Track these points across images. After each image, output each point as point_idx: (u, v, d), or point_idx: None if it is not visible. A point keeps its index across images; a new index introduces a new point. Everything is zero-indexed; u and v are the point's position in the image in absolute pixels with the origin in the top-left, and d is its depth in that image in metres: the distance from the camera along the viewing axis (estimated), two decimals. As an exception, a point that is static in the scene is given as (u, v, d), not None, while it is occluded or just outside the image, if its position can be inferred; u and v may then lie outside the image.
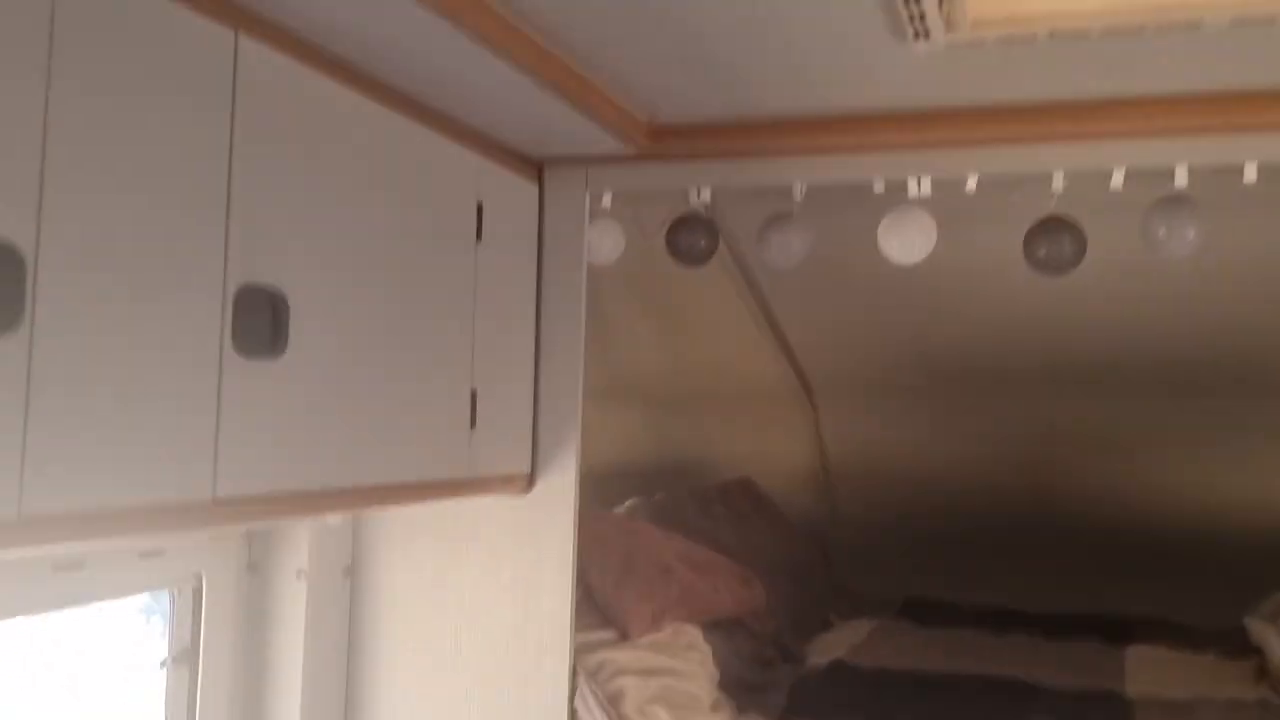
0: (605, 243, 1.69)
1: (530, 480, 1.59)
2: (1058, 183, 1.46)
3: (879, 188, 1.53)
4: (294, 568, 1.54)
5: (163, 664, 1.41)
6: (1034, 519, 2.68)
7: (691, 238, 1.70)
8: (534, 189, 1.62)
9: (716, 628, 1.85)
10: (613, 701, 1.52)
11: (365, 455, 1.24)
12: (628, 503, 2.33)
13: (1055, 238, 1.52)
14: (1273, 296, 2.00)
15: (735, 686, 1.77)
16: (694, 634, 1.76)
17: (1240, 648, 2.20)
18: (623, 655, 1.61)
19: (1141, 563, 2.60)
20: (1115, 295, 2.03)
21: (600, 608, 1.68)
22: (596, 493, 2.56)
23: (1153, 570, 2.58)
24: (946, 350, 2.34)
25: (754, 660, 1.94)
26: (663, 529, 2.05)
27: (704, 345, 2.49)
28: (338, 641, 1.61)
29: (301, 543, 1.54)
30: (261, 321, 1.09)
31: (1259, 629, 2.11)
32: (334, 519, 1.53)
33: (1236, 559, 2.50)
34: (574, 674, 1.54)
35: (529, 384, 1.61)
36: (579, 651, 1.58)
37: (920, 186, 1.50)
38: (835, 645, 2.27)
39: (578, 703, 1.52)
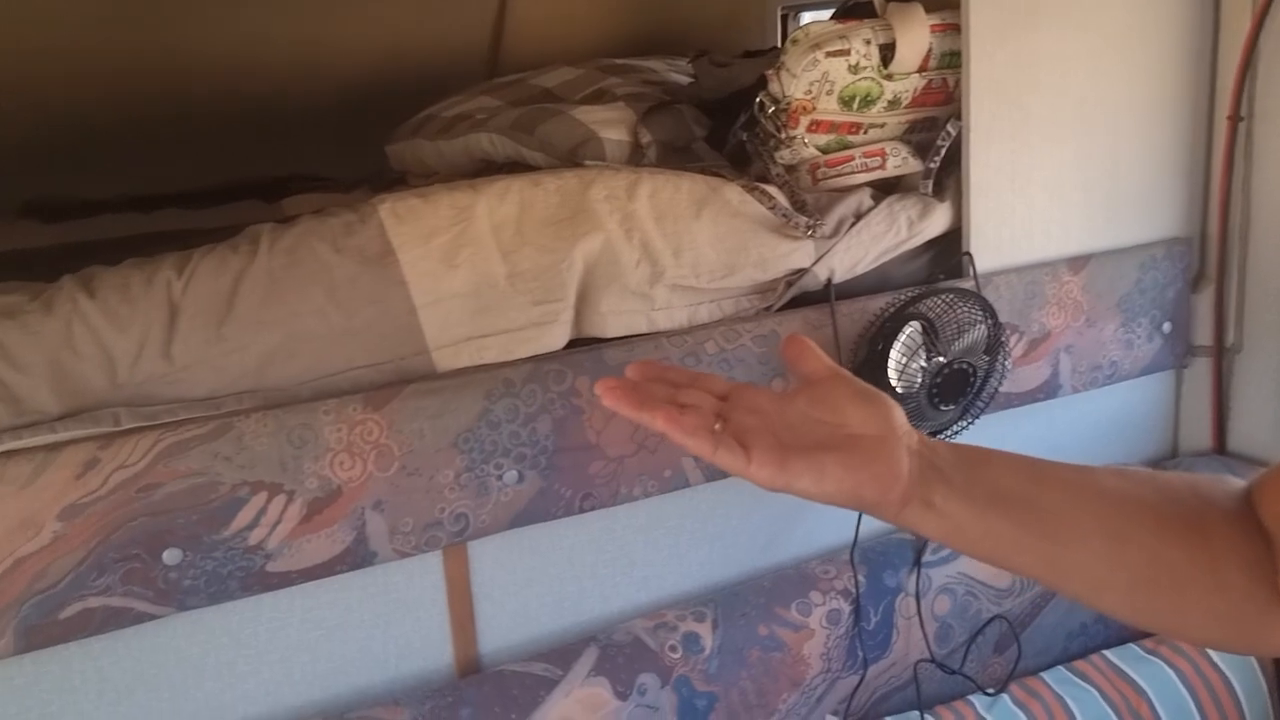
0: None
1: None
2: None
3: None
4: None
5: None
6: (161, 89, 2.36)
7: None
8: None
9: None
10: None
11: None
12: None
13: None
14: None
15: None
16: None
17: (386, 184, 2.29)
18: None
19: (277, 126, 2.50)
20: None
21: None
22: None
23: (290, 133, 2.51)
24: None
25: None
26: None
27: None
28: None
29: None
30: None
31: (396, 151, 2.19)
32: None
33: (363, 112, 2.55)
34: None
35: None
36: None
37: None
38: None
39: None
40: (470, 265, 1.31)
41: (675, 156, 1.69)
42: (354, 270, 1.26)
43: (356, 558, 1.22)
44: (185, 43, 2.34)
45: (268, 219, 2.07)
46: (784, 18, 2.36)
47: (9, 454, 1.06)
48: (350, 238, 1.28)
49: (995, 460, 0.81)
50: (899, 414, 0.80)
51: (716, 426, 0.77)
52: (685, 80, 2.11)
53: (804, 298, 1.48)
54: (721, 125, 1.74)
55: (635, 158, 1.66)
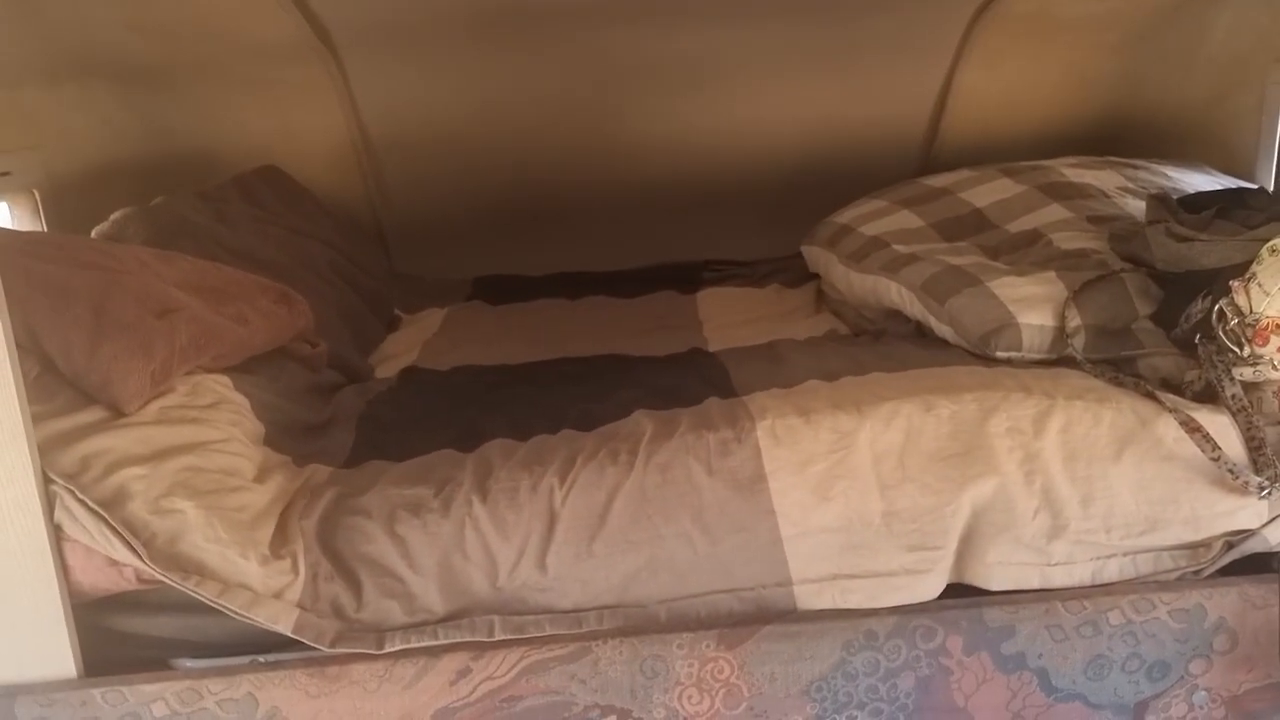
0: None
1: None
2: None
3: None
4: None
5: None
6: (596, 173, 2.49)
7: None
8: None
9: (253, 368, 1.48)
10: (112, 506, 1.14)
11: None
12: (112, 217, 1.80)
13: None
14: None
15: (289, 436, 1.44)
16: (220, 386, 1.38)
17: (799, 277, 2.24)
18: (120, 440, 1.20)
19: (703, 206, 2.54)
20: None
21: (73, 380, 1.23)
22: (78, 206, 1.98)
23: (715, 212, 2.54)
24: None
25: (310, 394, 1.60)
26: (161, 250, 1.57)
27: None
28: None
29: None
30: None
31: (811, 254, 2.13)
32: None
33: (789, 191, 2.52)
34: (46, 481, 1.13)
35: None
36: (50, 448, 1.15)
37: None
38: (405, 347, 2.02)
39: (61, 518, 1.12)
40: (844, 499, 1.23)
41: (1108, 341, 1.47)
42: (724, 495, 1.24)
43: (695, 792, 1.21)
44: (624, 131, 2.43)
45: (682, 312, 2.15)
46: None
47: (398, 654, 1.18)
48: (725, 458, 1.25)
49: None
50: None
51: None
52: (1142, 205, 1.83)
53: (1245, 563, 1.23)
54: (1175, 300, 1.49)
55: (1058, 345, 1.46)
